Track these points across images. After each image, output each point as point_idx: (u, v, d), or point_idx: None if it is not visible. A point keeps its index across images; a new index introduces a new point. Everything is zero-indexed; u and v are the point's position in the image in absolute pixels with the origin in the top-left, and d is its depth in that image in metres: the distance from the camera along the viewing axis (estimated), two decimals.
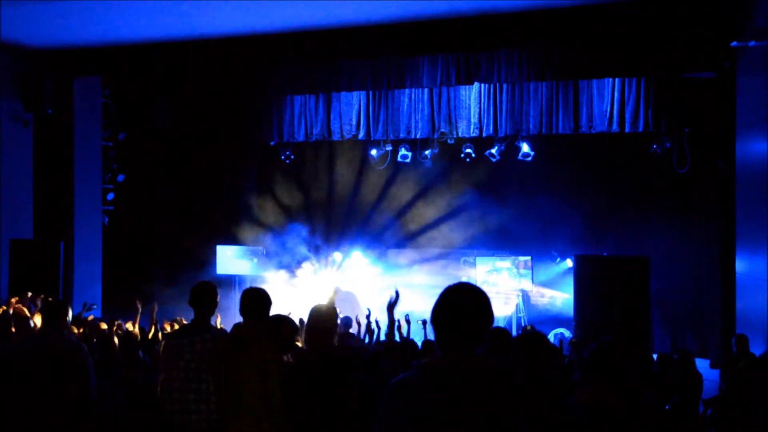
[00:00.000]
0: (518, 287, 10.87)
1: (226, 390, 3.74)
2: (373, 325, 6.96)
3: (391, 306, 4.49)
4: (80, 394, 4.31)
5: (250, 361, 3.68)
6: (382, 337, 6.96)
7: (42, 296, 8.11)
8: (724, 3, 7.91)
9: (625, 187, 10.98)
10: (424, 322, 7.01)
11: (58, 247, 10.03)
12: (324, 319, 3.80)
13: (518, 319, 10.73)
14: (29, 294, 8.27)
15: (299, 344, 4.62)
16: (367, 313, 7.21)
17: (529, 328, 8.46)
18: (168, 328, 7.45)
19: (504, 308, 10.64)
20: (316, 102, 11.34)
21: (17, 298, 8.09)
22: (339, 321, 3.99)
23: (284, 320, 4.28)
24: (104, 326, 7.40)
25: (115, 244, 11.68)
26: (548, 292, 11.08)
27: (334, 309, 3.92)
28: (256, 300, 3.85)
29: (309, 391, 3.70)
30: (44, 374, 4.24)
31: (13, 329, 6.44)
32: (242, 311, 3.84)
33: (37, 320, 6.49)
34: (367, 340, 6.90)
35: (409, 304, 11.05)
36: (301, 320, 6.27)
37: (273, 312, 4.13)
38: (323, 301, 4.12)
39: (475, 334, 2.22)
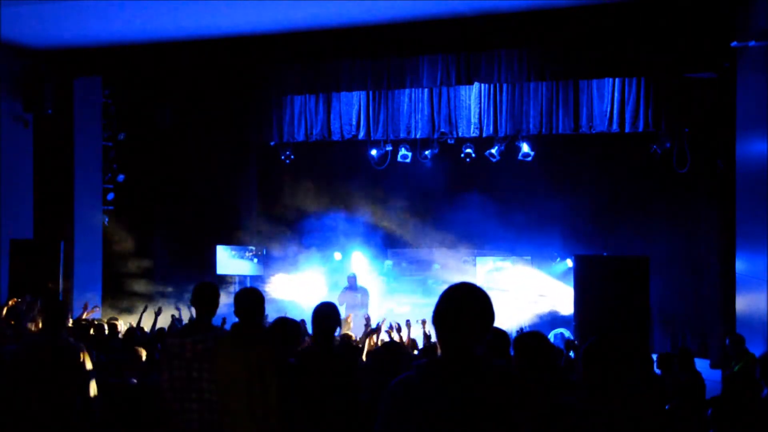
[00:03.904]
0: (518, 287, 10.87)
1: (225, 390, 3.76)
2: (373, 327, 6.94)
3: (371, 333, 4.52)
4: (79, 394, 4.31)
5: (248, 360, 3.70)
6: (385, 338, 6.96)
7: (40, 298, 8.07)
8: (724, 3, 7.91)
9: (625, 187, 10.98)
10: (423, 322, 7.01)
11: (58, 247, 10.02)
12: (326, 319, 3.81)
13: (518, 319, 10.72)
14: (26, 297, 8.20)
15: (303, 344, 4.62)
16: (367, 318, 7.19)
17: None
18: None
19: (504, 308, 10.63)
20: (316, 102, 11.33)
21: (14, 300, 8.05)
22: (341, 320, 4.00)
23: (287, 322, 4.28)
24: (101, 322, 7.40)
25: (115, 244, 11.68)
26: (548, 292, 11.07)
27: (336, 308, 3.94)
28: (250, 300, 3.86)
29: (309, 390, 3.71)
30: (43, 375, 4.24)
31: (12, 322, 6.45)
32: (237, 312, 3.85)
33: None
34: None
35: (409, 305, 11.15)
36: (302, 321, 6.29)
37: (271, 312, 4.15)
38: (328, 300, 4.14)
39: (476, 334, 2.22)
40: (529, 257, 10.99)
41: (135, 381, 5.34)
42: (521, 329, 7.88)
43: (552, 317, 10.53)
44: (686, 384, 5.58)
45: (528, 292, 10.88)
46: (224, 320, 6.93)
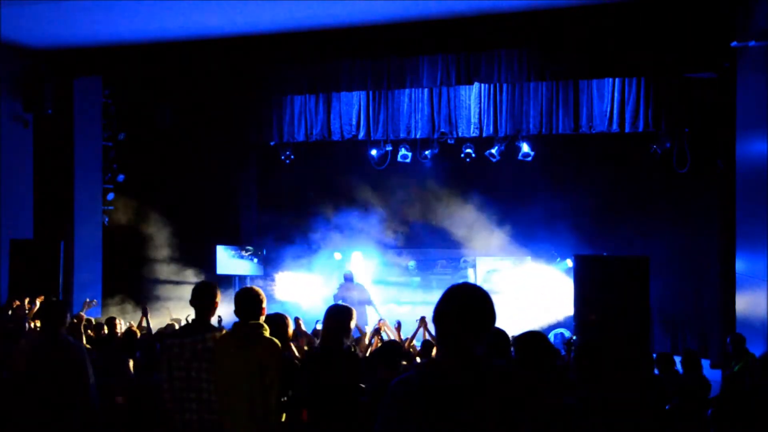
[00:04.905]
0: (518, 287, 10.87)
1: (225, 388, 3.76)
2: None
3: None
4: (79, 393, 4.31)
5: (248, 360, 3.70)
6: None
7: (41, 297, 8.05)
8: (724, 3, 7.91)
9: (625, 187, 10.98)
10: (423, 320, 6.99)
11: (58, 247, 10.00)
12: (332, 320, 3.83)
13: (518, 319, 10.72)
14: (27, 300, 8.18)
15: (293, 344, 4.63)
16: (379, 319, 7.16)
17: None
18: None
19: (504, 309, 10.62)
20: (316, 102, 11.33)
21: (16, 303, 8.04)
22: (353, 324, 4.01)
23: (279, 318, 4.29)
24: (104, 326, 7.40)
25: (115, 244, 11.68)
26: (548, 292, 11.07)
27: (350, 309, 3.95)
28: (250, 299, 3.87)
29: (317, 386, 3.72)
30: (43, 374, 4.24)
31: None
32: (237, 311, 3.86)
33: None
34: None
35: (409, 305, 11.15)
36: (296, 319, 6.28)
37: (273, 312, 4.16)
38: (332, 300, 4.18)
39: (477, 334, 2.22)
40: (528, 257, 10.99)
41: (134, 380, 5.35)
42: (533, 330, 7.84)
43: (552, 317, 10.53)
44: (690, 384, 5.57)
45: (528, 291, 10.88)
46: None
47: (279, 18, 8.97)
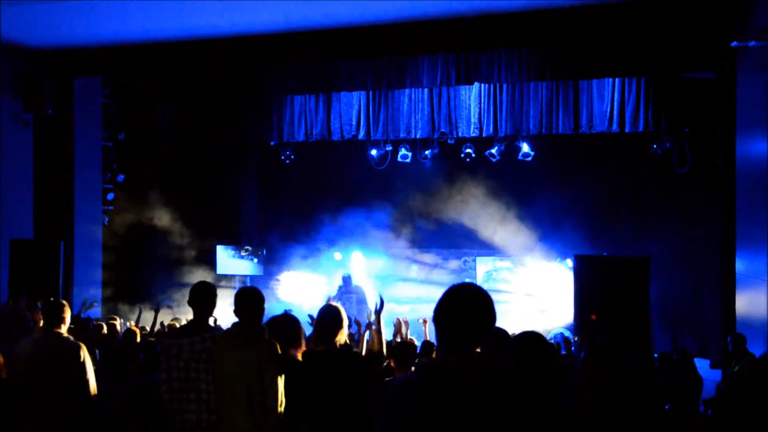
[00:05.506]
0: (518, 287, 10.87)
1: (224, 389, 3.76)
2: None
3: (377, 313, 4.53)
4: (79, 394, 4.31)
5: (247, 358, 3.70)
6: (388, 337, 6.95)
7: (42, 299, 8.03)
8: (724, 3, 7.91)
9: (625, 187, 10.99)
10: (425, 321, 7.00)
11: (58, 247, 9.99)
12: (331, 319, 3.83)
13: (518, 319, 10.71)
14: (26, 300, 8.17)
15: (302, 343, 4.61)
16: (373, 309, 7.14)
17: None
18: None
19: (504, 309, 10.63)
20: (316, 102, 11.33)
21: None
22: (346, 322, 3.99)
23: (288, 319, 4.28)
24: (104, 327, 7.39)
25: (115, 244, 11.68)
26: (548, 292, 11.07)
27: (340, 309, 3.94)
28: (250, 299, 3.87)
29: (311, 389, 3.71)
30: (43, 374, 4.24)
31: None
32: (236, 311, 3.86)
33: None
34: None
35: (409, 305, 11.16)
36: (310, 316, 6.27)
37: (270, 312, 4.15)
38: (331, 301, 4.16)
39: (477, 333, 2.23)
40: (529, 257, 10.99)
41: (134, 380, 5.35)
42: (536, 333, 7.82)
43: (552, 317, 10.53)
44: (686, 384, 5.58)
45: (528, 291, 10.89)
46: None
47: (279, 18, 8.97)
